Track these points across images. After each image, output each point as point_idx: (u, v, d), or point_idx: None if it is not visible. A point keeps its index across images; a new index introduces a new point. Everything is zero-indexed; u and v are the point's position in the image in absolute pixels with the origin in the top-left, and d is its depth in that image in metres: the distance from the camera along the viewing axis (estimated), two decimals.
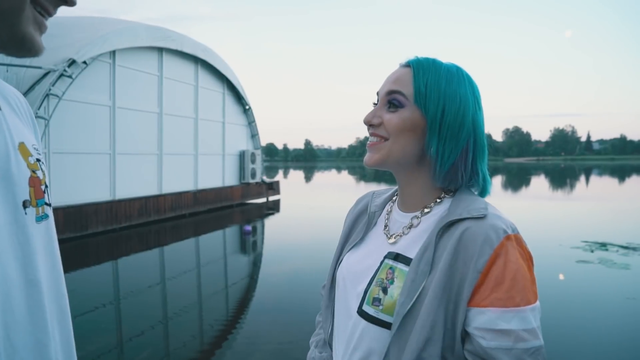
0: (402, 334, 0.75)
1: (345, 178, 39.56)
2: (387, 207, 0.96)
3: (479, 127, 0.85)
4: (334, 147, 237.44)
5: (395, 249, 0.85)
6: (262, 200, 17.04)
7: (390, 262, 0.83)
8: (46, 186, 0.73)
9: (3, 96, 0.72)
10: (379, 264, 0.84)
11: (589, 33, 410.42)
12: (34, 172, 0.69)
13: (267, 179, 18.07)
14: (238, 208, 15.12)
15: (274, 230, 11.38)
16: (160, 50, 12.29)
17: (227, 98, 15.84)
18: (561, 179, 35.42)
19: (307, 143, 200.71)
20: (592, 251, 7.74)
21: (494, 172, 51.10)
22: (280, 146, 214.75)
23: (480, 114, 0.86)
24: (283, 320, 4.60)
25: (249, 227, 10.37)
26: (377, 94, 0.89)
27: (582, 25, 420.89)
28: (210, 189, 14.20)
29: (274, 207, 15.79)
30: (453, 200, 0.84)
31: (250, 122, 17.43)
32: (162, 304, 5.46)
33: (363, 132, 0.94)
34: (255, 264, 7.67)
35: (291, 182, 32.42)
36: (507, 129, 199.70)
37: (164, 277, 6.91)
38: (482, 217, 0.76)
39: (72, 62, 9.03)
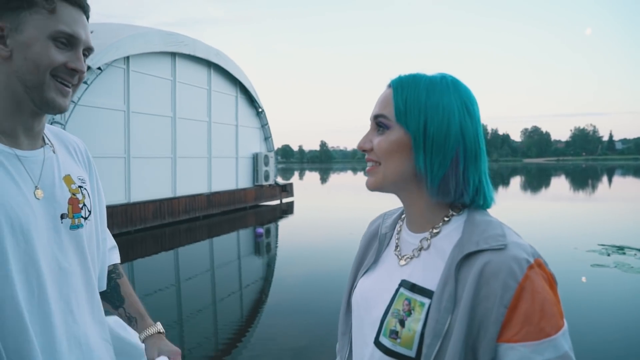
0: None
1: (361, 179, 39.49)
2: (397, 227, 0.95)
3: (468, 135, 0.81)
4: (349, 148, 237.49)
5: (408, 274, 0.83)
6: (276, 202, 17.09)
7: (405, 292, 0.81)
8: (84, 205, 1.04)
9: (62, 142, 1.09)
10: (393, 292, 0.83)
11: (608, 31, 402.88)
12: (74, 195, 1.02)
13: (280, 181, 18.12)
14: (252, 210, 15.18)
15: (288, 232, 11.39)
16: (173, 55, 12.44)
17: (240, 101, 15.94)
18: (582, 179, 34.76)
19: (323, 144, 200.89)
20: (608, 255, 7.55)
21: (512, 172, 50.44)
22: (295, 147, 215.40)
23: (471, 120, 0.82)
24: (298, 322, 4.60)
25: (261, 230, 10.40)
26: (370, 119, 0.89)
27: (602, 23, 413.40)
28: (223, 192, 14.30)
29: (288, 209, 15.81)
30: (466, 223, 0.81)
31: (263, 125, 17.50)
32: (177, 305, 5.51)
33: None
34: (270, 266, 7.69)
35: (306, 184, 32.46)
36: (526, 129, 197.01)
37: (179, 278, 6.96)
38: (502, 248, 0.74)
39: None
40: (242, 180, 15.86)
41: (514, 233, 0.79)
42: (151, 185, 11.43)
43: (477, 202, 0.82)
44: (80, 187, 1.04)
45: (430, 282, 0.79)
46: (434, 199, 0.83)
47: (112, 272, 1.22)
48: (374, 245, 0.96)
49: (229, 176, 15.14)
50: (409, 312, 0.78)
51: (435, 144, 0.80)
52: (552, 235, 9.66)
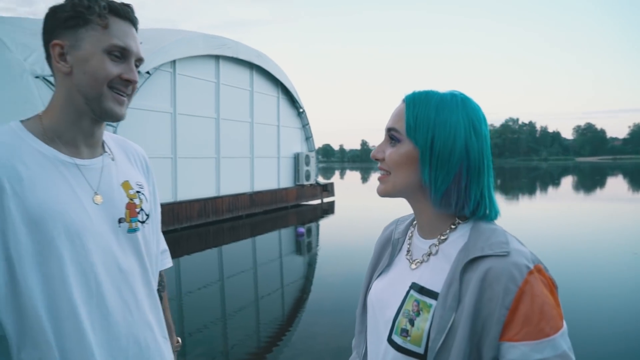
0: None
1: None
2: (409, 233, 1.01)
3: (472, 152, 0.87)
4: None
5: (418, 278, 0.90)
6: (317, 202, 17.17)
7: (415, 294, 0.88)
8: (141, 209, 1.10)
9: (123, 149, 1.16)
10: (404, 294, 0.90)
11: None
12: (131, 200, 1.08)
13: (321, 181, 18.19)
14: (293, 210, 15.33)
15: (329, 231, 11.42)
16: (217, 57, 12.75)
17: (281, 102, 16.13)
18: None
19: (364, 143, 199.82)
20: None
21: (563, 172, 48.20)
22: (336, 147, 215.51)
23: (476, 138, 0.87)
24: (339, 322, 4.59)
25: (302, 229, 10.48)
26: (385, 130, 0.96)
27: None
28: (265, 191, 14.52)
29: (329, 208, 15.85)
30: (472, 230, 0.87)
31: (305, 125, 17.63)
32: (220, 303, 5.64)
33: None
34: (310, 265, 7.74)
35: (347, 183, 32.41)
36: (579, 126, 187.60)
37: (222, 276, 7.14)
38: (505, 255, 0.79)
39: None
40: (284, 180, 16.04)
41: (517, 241, 0.85)
42: (196, 184, 11.78)
43: (478, 214, 0.88)
44: (138, 192, 1.10)
45: (437, 285, 0.86)
46: (436, 210, 0.90)
47: (159, 283, 1.26)
48: (388, 249, 1.03)
49: (271, 176, 15.36)
50: (418, 313, 0.85)
51: (440, 160, 0.86)
52: (608, 239, 9.16)
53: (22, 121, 1.01)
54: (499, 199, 0.82)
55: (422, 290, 0.87)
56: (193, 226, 11.13)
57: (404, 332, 0.85)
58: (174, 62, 11.07)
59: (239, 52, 13.37)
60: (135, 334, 1.02)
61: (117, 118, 1.03)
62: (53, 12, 0.99)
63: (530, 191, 22.34)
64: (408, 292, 0.89)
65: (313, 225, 12.26)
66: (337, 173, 53.45)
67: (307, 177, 16.75)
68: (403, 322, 0.86)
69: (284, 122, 16.30)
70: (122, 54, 1.00)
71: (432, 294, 0.85)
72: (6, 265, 0.89)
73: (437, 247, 0.90)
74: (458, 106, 0.87)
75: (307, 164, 16.78)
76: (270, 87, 15.53)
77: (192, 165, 11.77)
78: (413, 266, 0.93)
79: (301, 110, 17.26)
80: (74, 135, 1.01)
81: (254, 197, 13.85)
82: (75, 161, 1.00)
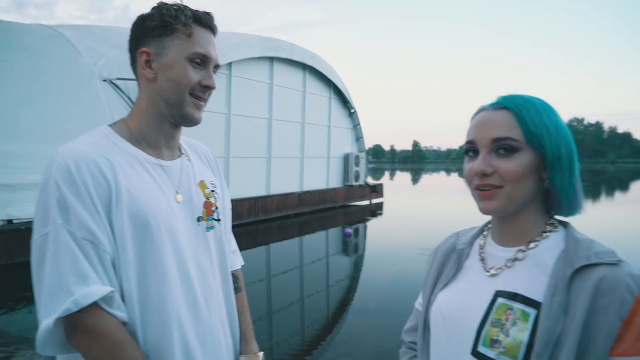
0: None
1: (454, 181, 37.95)
2: (479, 242, 0.96)
3: (576, 151, 0.87)
4: (443, 148, 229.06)
5: (502, 285, 0.85)
6: (366, 202, 17.11)
7: (507, 301, 0.82)
8: (216, 207, 1.13)
9: (194, 150, 1.20)
10: (488, 302, 0.84)
11: None
12: (207, 199, 1.12)
13: (371, 182, 18.10)
14: (341, 210, 15.37)
15: (377, 232, 11.38)
16: (271, 59, 13.02)
17: (332, 102, 16.20)
18: None
19: (415, 144, 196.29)
20: None
21: (633, 176, 44.96)
22: (387, 147, 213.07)
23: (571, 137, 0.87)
24: (384, 323, 4.57)
25: (349, 230, 10.50)
26: (471, 142, 0.87)
27: None
28: (314, 191, 14.65)
29: (377, 209, 15.76)
30: (567, 239, 0.84)
31: (355, 125, 17.61)
32: (267, 300, 5.78)
33: None
34: (357, 266, 7.75)
35: (397, 185, 32.01)
36: None
37: (269, 273, 7.31)
38: (617, 264, 0.77)
39: None
40: (333, 180, 16.11)
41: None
42: (247, 183, 12.08)
43: (577, 210, 0.87)
44: (212, 191, 1.14)
45: (534, 292, 0.80)
46: (564, 214, 0.88)
47: (234, 282, 1.25)
48: (452, 259, 0.97)
49: (320, 176, 15.48)
50: (514, 322, 0.79)
51: (569, 162, 0.84)
52: None
53: (110, 125, 1.06)
54: None
55: (516, 297, 0.81)
56: (243, 224, 11.43)
57: (496, 344, 0.79)
58: (230, 64, 11.43)
59: (293, 54, 13.57)
60: (212, 330, 1.06)
61: (195, 123, 1.07)
62: (142, 20, 1.03)
63: (594, 196, 21.09)
64: (494, 300, 0.83)
65: (361, 225, 12.25)
66: (386, 174, 52.85)
67: (357, 178, 16.73)
68: (494, 332, 0.80)
69: (335, 123, 16.36)
70: (202, 61, 1.03)
71: (531, 302, 0.80)
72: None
73: (524, 253, 0.86)
74: (552, 109, 0.86)
75: (357, 164, 16.75)
76: (323, 87, 15.64)
77: (244, 164, 12.09)
78: (491, 272, 0.88)
79: (352, 110, 17.26)
80: (156, 137, 1.06)
81: (303, 197, 14.02)
82: (160, 162, 1.05)
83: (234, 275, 1.27)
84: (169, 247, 0.98)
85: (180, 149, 1.14)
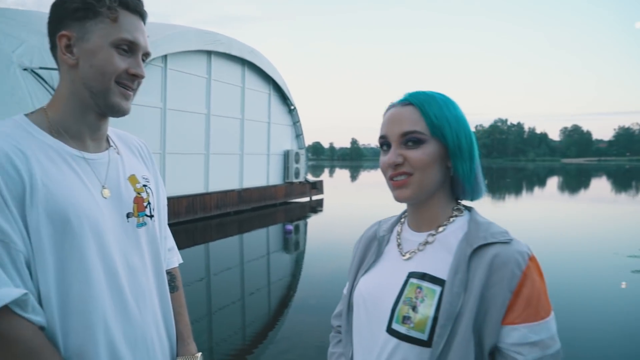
0: (445, 353, 0.82)
1: None
2: (397, 229, 1.03)
3: (475, 140, 0.95)
4: None
5: (415, 267, 0.92)
6: (306, 199, 17.21)
7: (417, 281, 0.89)
8: (149, 203, 1.07)
9: (125, 143, 1.13)
10: (402, 283, 0.91)
11: None
12: (139, 194, 1.05)
13: (310, 178, 18.23)
14: (281, 207, 15.35)
15: (317, 229, 11.48)
16: (209, 53, 12.71)
17: (272, 99, 16.12)
18: (625, 181, 33.26)
19: (354, 142, 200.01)
20: None
21: (549, 173, 48.79)
22: (326, 145, 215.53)
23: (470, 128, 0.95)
24: (325, 319, 4.62)
25: (290, 227, 10.52)
26: (384, 137, 0.94)
27: None
28: (254, 188, 14.52)
29: (317, 206, 15.91)
30: (470, 222, 0.92)
31: (295, 122, 17.64)
32: (206, 299, 5.66)
33: None
34: (298, 262, 7.78)
35: (336, 182, 32.48)
36: (565, 128, 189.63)
37: (209, 272, 7.15)
38: (508, 242, 0.85)
39: None
40: (273, 177, 16.05)
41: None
42: (184, 180, 11.74)
43: (476, 197, 0.96)
44: (144, 186, 1.08)
45: (440, 271, 0.88)
46: (468, 198, 0.96)
47: (170, 281, 1.20)
48: (373, 246, 1.04)
49: (260, 173, 15.36)
50: (422, 299, 0.87)
51: (469, 152, 0.92)
52: (591, 239, 9.36)
53: (26, 115, 0.98)
54: (486, 200, 0.88)
55: (424, 276, 0.88)
56: (181, 222, 11.11)
57: (407, 320, 0.86)
58: (165, 56, 11.01)
59: (232, 48, 13.33)
60: (144, 332, 1.00)
61: (122, 113, 1.00)
62: (62, 2, 0.96)
63: (517, 191, 22.63)
64: (407, 281, 0.90)
65: (301, 222, 12.31)
66: (326, 171, 53.49)
67: (297, 175, 16.77)
68: (405, 309, 0.87)
69: (275, 119, 16.29)
70: (130, 48, 0.97)
71: (436, 280, 0.87)
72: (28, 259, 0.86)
73: (434, 236, 0.93)
74: (453, 102, 0.94)
75: (297, 161, 16.80)
76: (262, 83, 15.51)
77: (180, 161, 11.72)
78: (406, 257, 0.95)
79: (292, 107, 17.26)
80: (79, 128, 0.99)
81: (243, 194, 13.85)
82: (84, 155, 0.98)
83: (171, 274, 1.22)
84: (93, 246, 0.92)
85: (108, 141, 1.07)
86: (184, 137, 11.84)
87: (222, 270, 7.21)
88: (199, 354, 1.17)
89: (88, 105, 0.98)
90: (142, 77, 1.00)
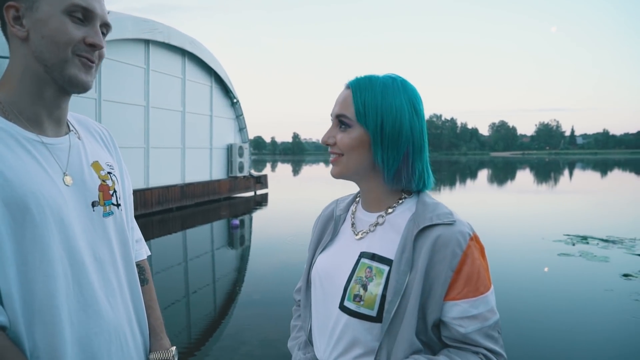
0: (393, 327, 0.87)
1: None
2: (352, 208, 1.07)
3: (415, 132, 0.94)
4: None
5: (366, 246, 0.96)
6: (250, 194, 17.04)
7: (367, 261, 0.93)
8: (114, 191, 1.01)
9: (87, 129, 1.06)
10: (354, 263, 0.95)
11: (572, 29, 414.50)
12: (104, 181, 0.99)
13: (255, 173, 18.05)
14: (226, 202, 15.09)
15: (262, 223, 11.41)
16: (147, 42, 12.17)
17: (214, 91, 15.75)
18: (546, 173, 35.92)
19: (295, 136, 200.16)
20: (573, 244, 7.92)
21: (479, 165, 51.60)
22: (268, 139, 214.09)
23: (417, 118, 0.95)
24: (270, 314, 4.65)
25: (236, 221, 10.39)
26: (331, 115, 0.99)
27: (567, 21, 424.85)
28: (197, 183, 14.16)
29: (262, 200, 15.80)
30: (418, 203, 0.96)
31: (238, 116, 17.36)
32: None
33: None
34: (243, 258, 7.71)
35: (279, 176, 32.39)
36: (494, 123, 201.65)
37: (152, 271, 6.90)
38: (452, 224, 0.90)
39: None
40: (216, 172, 15.73)
41: (457, 213, 0.95)
42: None
43: (420, 186, 0.97)
44: (109, 173, 1.02)
45: (388, 251, 0.93)
46: (389, 187, 0.97)
47: (140, 274, 1.15)
48: (330, 225, 1.08)
49: (203, 167, 15.00)
50: (372, 278, 0.91)
51: (391, 141, 0.92)
52: (520, 226, 10.04)
53: None
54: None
55: (374, 257, 0.93)
56: None
57: (357, 298, 0.91)
58: None
59: (171, 38, 12.85)
60: (116, 328, 0.95)
61: (83, 86, 0.91)
62: None
63: (451, 183, 23.73)
64: (358, 261, 0.94)
65: (246, 217, 12.18)
66: (268, 165, 53.17)
67: (241, 169, 16.55)
68: (355, 288, 0.91)
69: (217, 112, 15.94)
70: (85, 16, 0.90)
71: (385, 260, 0.91)
72: None
73: (384, 218, 0.97)
74: (399, 89, 0.93)
75: (241, 155, 16.57)
76: (204, 75, 15.10)
77: None
78: (358, 236, 0.99)
79: (235, 100, 16.97)
80: (36, 110, 0.91)
81: (185, 189, 13.46)
82: (42, 139, 0.91)
83: (140, 266, 1.17)
84: (57, 237, 0.86)
85: (68, 126, 1.00)
86: (121, 130, 11.29)
87: (165, 269, 7.00)
88: (174, 348, 1.13)
89: (44, 81, 0.90)
90: (101, 47, 0.92)
